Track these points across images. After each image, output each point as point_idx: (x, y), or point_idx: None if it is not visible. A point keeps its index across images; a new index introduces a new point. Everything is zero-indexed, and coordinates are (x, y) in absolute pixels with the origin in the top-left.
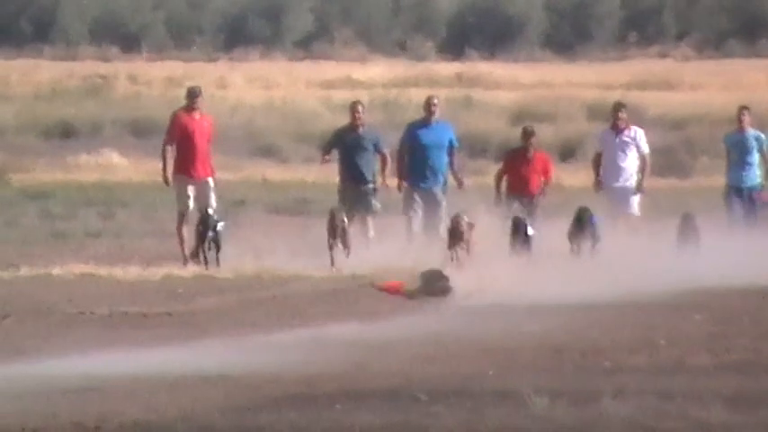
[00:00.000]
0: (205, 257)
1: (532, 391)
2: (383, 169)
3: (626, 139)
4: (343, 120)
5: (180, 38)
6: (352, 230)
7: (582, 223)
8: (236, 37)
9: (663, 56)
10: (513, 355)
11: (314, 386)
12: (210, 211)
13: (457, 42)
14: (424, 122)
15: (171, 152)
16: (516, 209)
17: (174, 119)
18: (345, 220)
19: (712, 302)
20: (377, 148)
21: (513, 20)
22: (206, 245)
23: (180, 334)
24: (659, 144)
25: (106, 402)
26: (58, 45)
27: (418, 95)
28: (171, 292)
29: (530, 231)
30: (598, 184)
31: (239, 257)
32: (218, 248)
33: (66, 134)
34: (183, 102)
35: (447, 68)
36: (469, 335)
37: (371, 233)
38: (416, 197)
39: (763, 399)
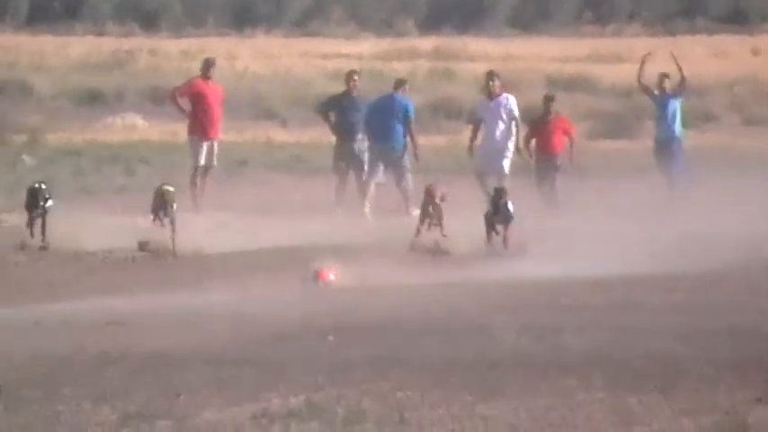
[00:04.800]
0: (32, 230)
1: (501, 325)
2: None
3: (498, 104)
4: (334, 87)
5: (194, 16)
6: (348, 188)
7: None
8: (243, 16)
9: (616, 33)
10: (484, 295)
11: (310, 322)
12: (43, 186)
13: (435, 20)
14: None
15: (180, 102)
16: (540, 173)
17: (191, 83)
18: (172, 197)
19: (663, 248)
20: None
21: (483, 0)
22: (34, 218)
23: (193, 274)
24: (611, 110)
25: (128, 335)
26: (87, 23)
27: (401, 67)
28: (185, 238)
29: (510, 205)
30: (471, 149)
31: (245, 210)
32: (43, 222)
33: (94, 100)
34: (198, 71)
35: (426, 43)
36: (446, 280)
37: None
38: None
39: (705, 334)
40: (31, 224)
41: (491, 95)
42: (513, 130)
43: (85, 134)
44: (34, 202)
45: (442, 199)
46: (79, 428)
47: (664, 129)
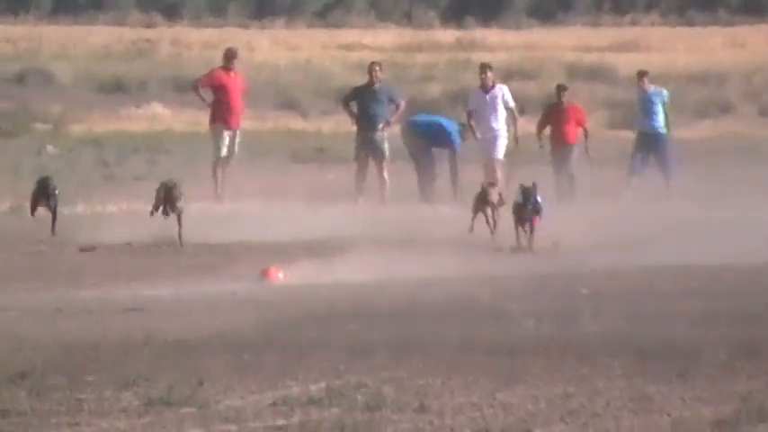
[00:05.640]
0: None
1: (521, 313)
2: (394, 112)
3: (494, 95)
4: (355, 78)
5: (215, 7)
6: (368, 176)
7: None
8: (264, 6)
9: (634, 23)
10: (505, 283)
11: (332, 307)
12: (49, 177)
13: (456, 12)
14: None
15: (203, 92)
16: (556, 162)
17: (213, 74)
18: (181, 192)
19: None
20: (392, 100)
21: None
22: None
23: (215, 262)
24: (629, 100)
25: (152, 321)
26: (110, 13)
27: (422, 58)
28: (207, 226)
29: (539, 200)
30: (475, 137)
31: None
32: (54, 215)
33: (117, 89)
34: (220, 61)
35: (447, 35)
36: (466, 267)
37: (387, 178)
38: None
39: (719, 319)
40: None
41: (485, 87)
42: (511, 119)
43: (108, 123)
44: (43, 197)
45: (500, 202)
46: (103, 414)
47: (646, 123)
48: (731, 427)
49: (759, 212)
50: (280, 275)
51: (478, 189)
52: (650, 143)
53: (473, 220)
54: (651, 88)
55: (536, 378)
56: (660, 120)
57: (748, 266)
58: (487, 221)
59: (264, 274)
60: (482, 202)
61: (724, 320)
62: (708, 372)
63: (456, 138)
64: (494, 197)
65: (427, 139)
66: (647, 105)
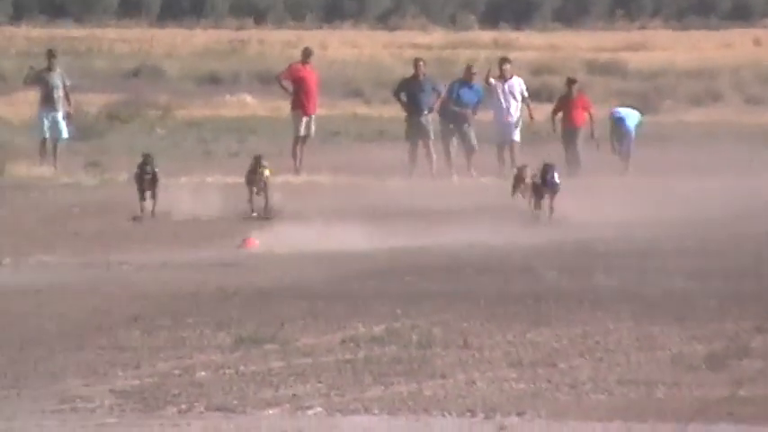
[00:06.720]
0: (145, 198)
1: (545, 268)
2: (436, 100)
3: (511, 85)
4: (409, 71)
5: (294, 12)
6: (418, 154)
7: None
8: (334, 12)
9: (642, 27)
10: (532, 243)
11: (391, 262)
12: (153, 163)
13: (492, 17)
14: (465, 81)
15: (285, 84)
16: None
17: (293, 68)
18: (267, 171)
19: (676, 202)
20: (434, 89)
21: (532, 0)
22: (145, 192)
23: (292, 223)
24: (637, 91)
25: (239, 275)
26: (209, 18)
27: (464, 55)
28: (289, 193)
29: (556, 178)
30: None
31: (336, 171)
32: (155, 196)
33: (213, 81)
34: (298, 57)
35: (484, 36)
36: (502, 232)
37: (434, 155)
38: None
39: (712, 273)
40: (143, 198)
41: (504, 78)
42: (525, 104)
43: (206, 110)
44: (142, 171)
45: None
46: (201, 350)
47: (618, 120)
48: (720, 361)
49: (745, 184)
50: (256, 243)
51: (515, 172)
52: (621, 128)
53: (514, 195)
54: (622, 113)
55: (558, 321)
56: (626, 115)
57: (737, 230)
58: (524, 197)
59: (245, 242)
60: (519, 181)
61: (716, 274)
62: (702, 315)
63: (476, 106)
64: (528, 177)
65: (454, 120)
66: (620, 123)
